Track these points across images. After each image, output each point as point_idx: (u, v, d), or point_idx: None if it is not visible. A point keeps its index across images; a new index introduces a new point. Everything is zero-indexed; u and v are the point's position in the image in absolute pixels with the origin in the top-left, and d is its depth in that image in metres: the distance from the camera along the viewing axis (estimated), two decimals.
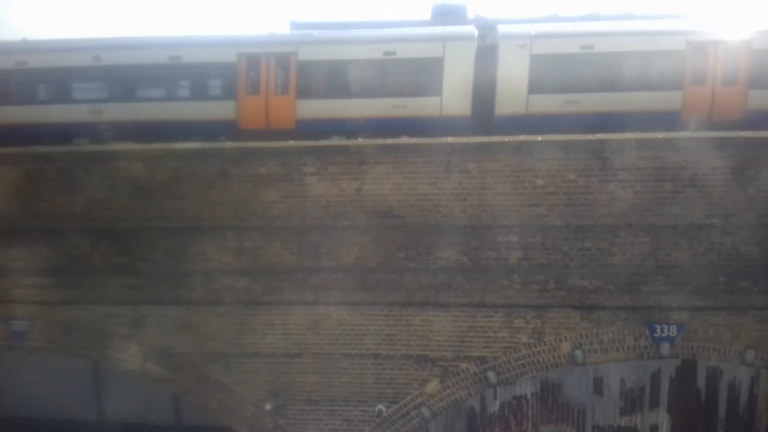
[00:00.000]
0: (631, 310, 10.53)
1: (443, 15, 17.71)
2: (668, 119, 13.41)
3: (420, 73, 14.37)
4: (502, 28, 14.55)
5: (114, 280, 11.43)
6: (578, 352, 10.68)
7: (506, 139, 10.88)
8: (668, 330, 10.46)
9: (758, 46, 13.55)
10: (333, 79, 14.61)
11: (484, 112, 14.08)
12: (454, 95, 14.11)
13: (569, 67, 13.95)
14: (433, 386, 11.07)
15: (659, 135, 10.58)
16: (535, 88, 13.94)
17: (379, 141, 11.15)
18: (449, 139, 10.88)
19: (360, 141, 11.40)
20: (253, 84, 14.66)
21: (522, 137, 10.99)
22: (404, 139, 11.78)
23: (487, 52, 14.38)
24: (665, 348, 10.50)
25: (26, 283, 11.62)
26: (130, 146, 11.86)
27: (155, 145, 11.69)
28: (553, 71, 13.94)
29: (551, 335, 10.73)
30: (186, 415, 13.50)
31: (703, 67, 13.70)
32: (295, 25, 19.86)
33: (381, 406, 11.15)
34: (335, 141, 11.66)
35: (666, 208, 10.30)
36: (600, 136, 10.73)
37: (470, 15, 18.38)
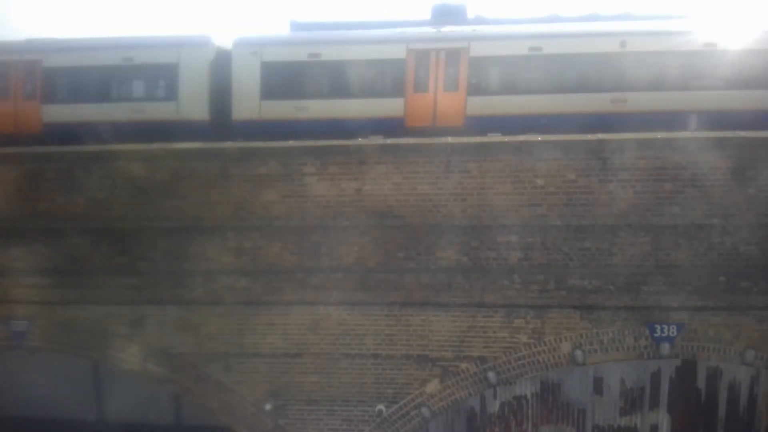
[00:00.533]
0: (631, 310, 10.53)
1: (443, 15, 17.67)
2: (393, 125, 13.86)
3: (157, 79, 14.98)
4: (238, 36, 15.01)
5: (114, 280, 11.43)
6: (578, 352, 10.68)
7: (506, 139, 10.88)
8: (668, 330, 10.46)
9: (475, 54, 14.02)
10: (77, 84, 15.19)
11: (222, 117, 14.54)
12: (191, 100, 14.61)
13: (298, 74, 14.52)
14: (433, 386, 11.07)
15: (659, 135, 10.58)
16: (267, 94, 14.46)
17: (379, 141, 11.16)
18: (449, 139, 10.89)
19: (360, 141, 11.41)
20: (3, 90, 15.30)
21: (522, 137, 11.00)
22: (404, 139, 11.78)
23: (223, 58, 14.79)
24: (665, 348, 10.49)
25: (26, 283, 11.62)
26: (130, 146, 11.86)
27: (155, 145, 11.69)
28: (282, 78, 14.48)
29: (551, 335, 10.73)
30: (186, 415, 13.51)
31: (424, 74, 14.10)
32: (295, 26, 19.83)
33: (381, 406, 11.15)
34: (335, 141, 11.68)
35: (666, 208, 10.30)
36: (600, 136, 10.73)
37: (470, 15, 18.34)
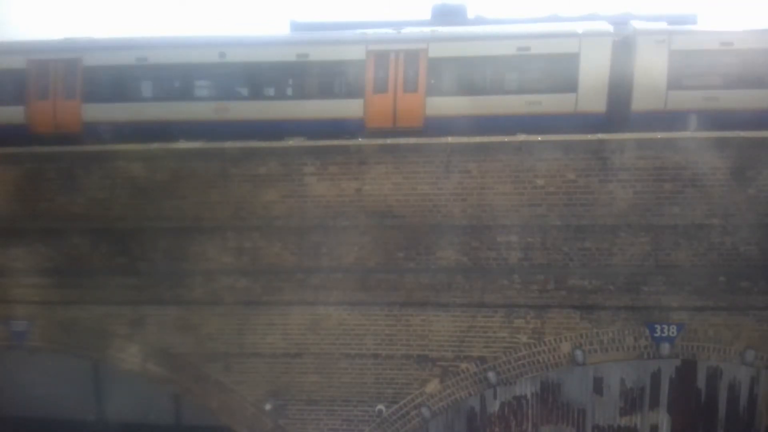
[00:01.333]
0: (631, 310, 10.53)
1: (443, 15, 17.67)
2: (17, 131, 14.66)
3: None
4: None
5: (114, 280, 11.43)
6: (578, 352, 10.68)
7: (506, 139, 10.88)
8: (668, 330, 10.46)
9: (89, 63, 14.88)
10: None
11: None
12: None
13: None
14: (433, 386, 11.07)
15: (659, 135, 10.58)
16: None
17: (379, 141, 11.15)
18: (449, 139, 10.88)
19: (360, 141, 11.41)
20: None
21: (522, 137, 10.99)
22: (404, 139, 11.78)
23: None
24: (665, 348, 10.50)
25: (26, 283, 11.62)
26: (130, 146, 11.85)
27: (155, 145, 11.69)
28: None
29: (551, 335, 10.73)
30: (186, 415, 13.52)
31: (44, 83, 15.02)
32: (295, 26, 19.81)
33: (381, 406, 11.15)
34: (335, 141, 11.70)
35: (666, 208, 10.30)
36: (600, 136, 10.74)
37: (470, 15, 18.35)
